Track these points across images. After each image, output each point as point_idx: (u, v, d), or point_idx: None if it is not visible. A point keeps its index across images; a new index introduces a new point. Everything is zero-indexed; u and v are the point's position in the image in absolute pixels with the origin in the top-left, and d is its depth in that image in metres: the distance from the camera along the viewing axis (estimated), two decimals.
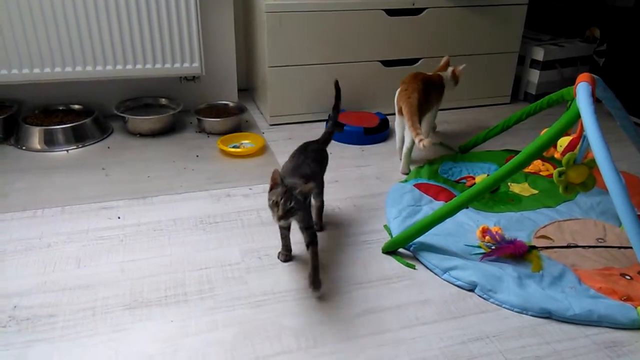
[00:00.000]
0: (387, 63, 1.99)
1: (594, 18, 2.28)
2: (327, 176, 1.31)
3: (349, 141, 1.82)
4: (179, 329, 0.96)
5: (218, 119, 1.83)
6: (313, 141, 1.29)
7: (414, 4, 1.93)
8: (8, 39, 1.65)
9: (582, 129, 1.14)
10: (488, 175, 1.53)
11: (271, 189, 1.04)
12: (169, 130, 1.85)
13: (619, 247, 1.22)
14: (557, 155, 1.23)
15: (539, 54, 2.17)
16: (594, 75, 1.22)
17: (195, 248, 1.20)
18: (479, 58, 2.10)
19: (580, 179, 1.15)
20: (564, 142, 1.23)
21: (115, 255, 1.17)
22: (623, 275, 1.12)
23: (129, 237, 1.23)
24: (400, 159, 1.63)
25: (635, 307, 1.02)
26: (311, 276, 1.04)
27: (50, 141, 1.70)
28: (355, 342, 0.95)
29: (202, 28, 1.87)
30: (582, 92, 1.13)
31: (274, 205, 1.00)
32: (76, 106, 1.87)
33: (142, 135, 1.81)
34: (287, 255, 1.17)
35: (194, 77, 1.98)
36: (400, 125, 1.64)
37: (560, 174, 1.15)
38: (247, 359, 0.90)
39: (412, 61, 2.03)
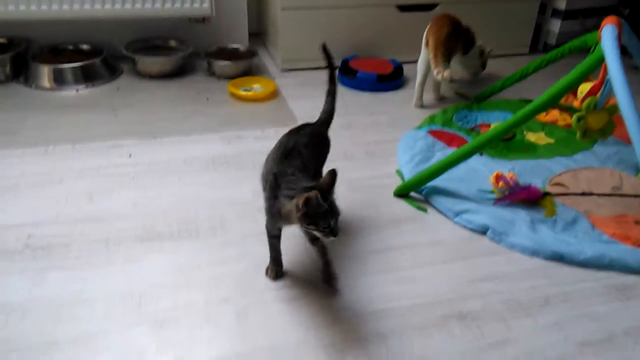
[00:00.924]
0: (403, 8, 1.92)
1: None
2: (339, 122, 1.27)
3: (362, 88, 1.78)
4: (191, 261, 0.97)
5: (229, 62, 1.80)
6: (310, 123, 1.04)
7: None
8: None
9: (604, 74, 1.11)
10: None
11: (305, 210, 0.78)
12: (179, 72, 1.82)
13: (635, 196, 1.20)
14: (576, 104, 1.20)
15: (561, 2, 2.08)
16: (621, 19, 1.16)
17: (206, 187, 1.20)
18: (498, 5, 2.02)
19: (599, 124, 1.13)
20: (584, 88, 1.19)
21: (127, 191, 1.17)
22: (637, 222, 1.11)
23: (140, 175, 1.23)
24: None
25: None
26: (325, 273, 0.93)
27: (59, 80, 1.68)
28: (369, 278, 0.96)
29: None
30: (607, 34, 1.09)
31: (329, 233, 0.78)
32: (85, 46, 1.83)
33: (152, 77, 1.78)
34: (277, 270, 0.94)
35: (203, 18, 1.92)
36: (424, 62, 1.59)
37: (579, 118, 1.12)
38: (257, 289, 0.91)
39: (429, 7, 1.95)
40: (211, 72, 1.83)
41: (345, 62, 1.84)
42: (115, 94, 1.66)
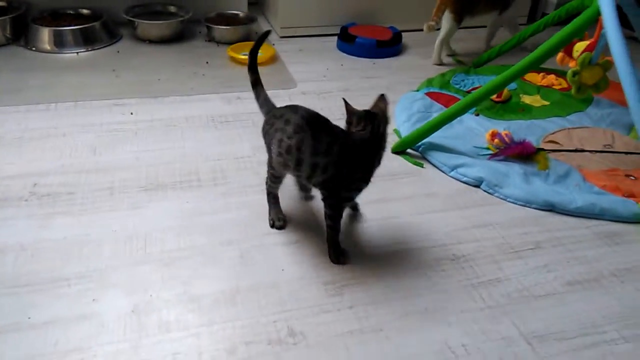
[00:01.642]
0: None
1: None
2: (337, 85, 1.29)
3: (361, 54, 1.79)
4: (194, 208, 1.00)
5: (228, 27, 1.80)
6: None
7: None
8: None
9: (599, 31, 1.13)
10: None
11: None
12: (178, 37, 1.83)
13: (626, 153, 1.23)
14: (572, 64, 1.21)
15: None
16: None
17: (207, 142, 1.22)
18: None
19: (593, 80, 1.15)
20: (580, 47, 1.21)
21: (130, 145, 1.19)
22: (628, 176, 1.14)
23: (142, 131, 1.25)
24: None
25: (637, 203, 1.05)
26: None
27: (59, 42, 1.68)
28: (368, 224, 0.99)
29: None
30: None
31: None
32: (85, 10, 1.83)
33: (151, 41, 1.79)
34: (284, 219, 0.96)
35: None
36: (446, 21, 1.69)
37: (574, 73, 1.14)
38: (258, 233, 0.95)
39: None
40: (210, 38, 1.84)
41: (344, 29, 1.85)
42: (116, 56, 1.67)
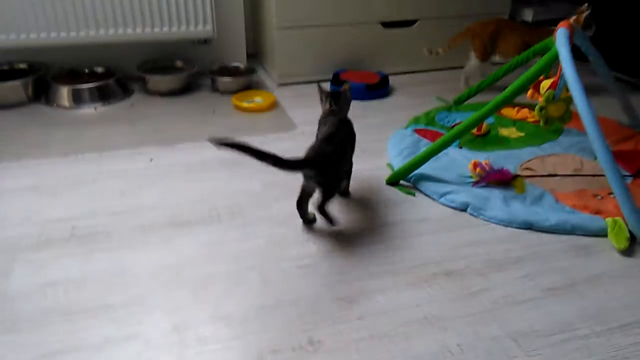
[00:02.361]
0: (386, 25, 2.13)
1: None
2: None
3: (353, 97, 1.96)
4: (218, 239, 1.14)
5: (231, 78, 1.98)
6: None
7: None
8: (36, 5, 1.78)
9: (560, 71, 1.31)
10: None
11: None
12: (186, 90, 2.00)
13: (593, 175, 1.39)
14: (540, 99, 1.39)
15: (528, 14, 2.31)
16: (573, 23, 1.37)
17: (222, 182, 1.37)
18: (472, 19, 2.23)
19: (558, 113, 1.33)
20: (546, 84, 1.39)
21: (154, 188, 1.33)
22: (595, 195, 1.30)
23: (163, 175, 1.40)
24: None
25: (604, 219, 1.20)
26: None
27: (78, 99, 1.85)
28: (367, 247, 1.13)
29: None
30: (560, 35, 1.30)
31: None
32: (99, 69, 2.01)
33: (162, 94, 1.96)
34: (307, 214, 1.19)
35: (206, 39, 2.11)
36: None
37: (541, 108, 1.32)
38: (276, 259, 1.08)
39: (410, 22, 2.17)
40: (215, 88, 2.01)
41: (336, 75, 2.04)
42: (130, 109, 1.83)
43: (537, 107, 1.32)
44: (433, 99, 1.97)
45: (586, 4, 1.78)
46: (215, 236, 1.15)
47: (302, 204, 1.18)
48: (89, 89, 1.86)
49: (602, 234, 1.17)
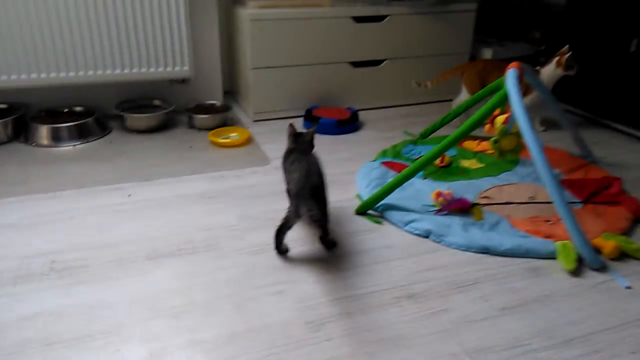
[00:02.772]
0: (355, 64, 2.26)
1: (535, 22, 2.61)
2: None
3: (324, 132, 2.07)
4: (193, 270, 1.19)
5: (207, 115, 2.07)
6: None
7: (378, 12, 2.21)
8: (17, 47, 1.86)
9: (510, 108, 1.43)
10: (444, 154, 1.80)
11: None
12: (163, 127, 2.08)
13: (546, 202, 1.49)
14: (495, 133, 1.51)
15: (488, 54, 2.48)
16: (523, 63, 1.51)
17: (199, 216, 1.43)
18: (436, 58, 2.39)
19: (510, 145, 1.44)
20: (500, 120, 1.51)
21: (132, 222, 1.39)
22: (547, 221, 1.40)
23: (141, 209, 1.45)
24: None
25: (554, 242, 1.29)
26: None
27: (56, 138, 1.90)
28: (337, 274, 1.19)
29: (191, 35, 2.10)
30: (510, 76, 1.42)
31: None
32: (78, 108, 2.07)
33: (139, 132, 2.03)
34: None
35: (183, 79, 2.20)
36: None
37: (495, 141, 1.43)
38: (249, 287, 1.14)
39: (377, 62, 2.30)
40: (192, 126, 2.09)
41: (309, 111, 2.14)
42: (109, 146, 1.89)
43: (491, 140, 1.44)
44: (401, 133, 2.08)
45: (567, 46, 1.94)
46: (191, 268, 1.20)
47: (281, 234, 1.24)
48: (68, 127, 1.92)
49: (552, 256, 1.27)
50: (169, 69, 2.09)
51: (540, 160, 1.26)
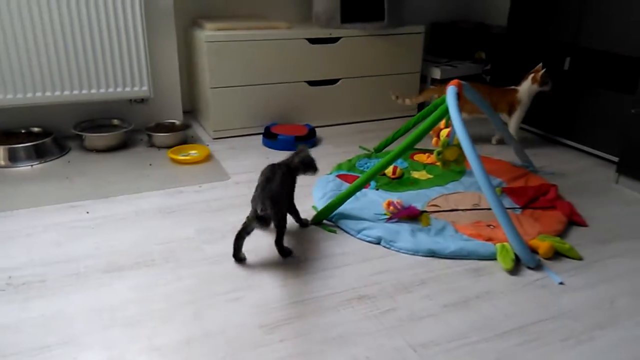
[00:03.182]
0: (311, 83, 2.36)
1: (480, 43, 2.78)
2: None
3: (283, 148, 2.13)
4: (151, 281, 1.22)
5: (167, 134, 2.11)
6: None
7: (330, 34, 2.32)
8: None
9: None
10: (396, 166, 1.89)
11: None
12: (123, 146, 2.10)
13: (488, 209, 1.60)
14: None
15: (437, 73, 2.62)
16: (462, 81, 1.62)
17: (157, 230, 1.46)
18: (388, 78, 2.52)
19: (453, 156, 1.54)
20: (444, 133, 1.62)
21: (89, 238, 1.41)
22: (488, 225, 1.50)
23: (99, 225, 1.47)
24: None
25: (494, 244, 1.39)
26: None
27: (14, 158, 1.90)
28: (293, 280, 1.25)
29: (150, 56, 2.15)
30: (449, 93, 1.53)
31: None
32: (36, 129, 2.07)
33: (98, 151, 2.04)
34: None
35: (142, 99, 2.24)
36: None
37: (439, 153, 1.53)
38: (207, 295, 1.18)
39: (332, 81, 2.40)
40: (152, 144, 2.12)
41: (267, 128, 2.21)
42: (67, 165, 1.90)
43: (435, 152, 1.54)
44: (356, 148, 2.17)
45: (540, 64, 2.08)
46: (149, 279, 1.24)
47: (240, 239, 1.30)
48: (25, 147, 1.92)
49: (493, 257, 1.36)
50: (127, 89, 2.12)
51: (478, 169, 1.36)
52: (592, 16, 2.02)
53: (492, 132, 2.29)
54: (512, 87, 2.13)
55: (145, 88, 2.14)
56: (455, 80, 1.62)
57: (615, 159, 1.90)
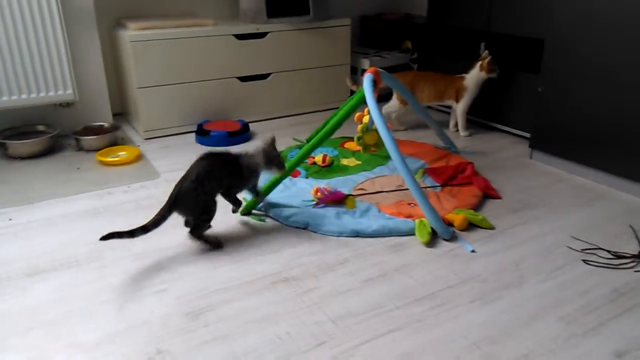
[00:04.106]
0: (242, 79, 2.38)
1: (406, 33, 2.89)
2: None
3: (216, 144, 2.15)
4: (74, 282, 1.22)
5: (95, 137, 2.08)
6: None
7: (258, 29, 2.35)
8: None
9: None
10: (326, 155, 1.95)
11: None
12: (50, 151, 2.05)
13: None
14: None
15: (366, 64, 2.70)
16: (379, 69, 1.70)
17: (83, 232, 1.45)
18: (319, 70, 2.58)
19: (373, 141, 1.61)
20: (366, 119, 1.69)
21: (12, 244, 1.38)
22: (409, 204, 1.58)
23: (23, 231, 1.45)
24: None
25: (414, 220, 1.47)
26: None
27: None
28: (219, 268, 1.28)
29: (73, 58, 2.11)
30: (366, 80, 1.60)
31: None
32: None
33: (23, 158, 1.99)
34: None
35: (68, 103, 2.19)
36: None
37: (359, 138, 1.60)
38: (131, 290, 1.19)
39: (263, 76, 2.43)
40: (80, 148, 2.09)
41: (199, 126, 2.22)
42: None
43: (355, 137, 1.60)
44: (290, 140, 2.21)
45: (486, 51, 2.16)
46: (72, 280, 1.23)
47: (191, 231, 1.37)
48: None
49: (412, 233, 1.44)
50: (51, 93, 2.08)
51: (394, 152, 1.43)
52: (500, 4, 2.14)
53: (447, 118, 2.40)
54: (460, 75, 2.22)
55: (69, 92, 2.10)
56: (372, 68, 1.69)
57: (529, 136, 2.03)
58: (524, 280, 1.24)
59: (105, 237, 1.22)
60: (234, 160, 1.39)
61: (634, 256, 1.33)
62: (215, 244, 1.37)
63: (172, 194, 1.31)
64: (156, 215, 1.28)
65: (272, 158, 1.41)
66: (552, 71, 1.82)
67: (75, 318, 1.10)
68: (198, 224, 1.35)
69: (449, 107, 2.31)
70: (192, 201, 1.31)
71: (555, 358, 0.99)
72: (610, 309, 1.13)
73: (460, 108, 2.21)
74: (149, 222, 1.27)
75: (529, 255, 1.34)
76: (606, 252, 1.35)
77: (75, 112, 2.23)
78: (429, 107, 2.44)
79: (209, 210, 1.36)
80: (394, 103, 2.26)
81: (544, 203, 1.63)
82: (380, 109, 1.51)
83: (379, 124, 1.47)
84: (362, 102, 1.59)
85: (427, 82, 2.21)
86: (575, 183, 1.77)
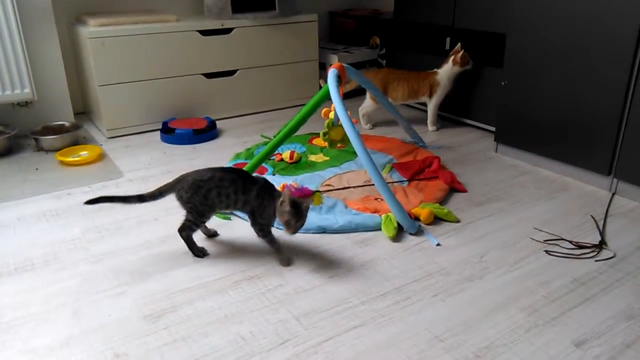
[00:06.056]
0: (208, 75, 2.34)
1: (374, 29, 2.89)
2: (161, 169, 1.58)
3: (181, 142, 2.11)
4: (30, 286, 1.17)
5: (55, 136, 2.01)
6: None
7: (222, 25, 2.31)
8: None
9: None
10: (293, 151, 1.93)
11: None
12: (7, 152, 1.98)
13: None
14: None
15: (334, 60, 2.69)
16: (344, 64, 1.69)
17: (40, 234, 1.40)
18: (287, 66, 2.55)
19: (339, 136, 1.60)
20: (332, 115, 1.67)
21: None
22: (376, 199, 1.58)
23: None
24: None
25: (380, 216, 1.47)
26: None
27: None
28: (181, 268, 1.25)
29: (30, 56, 2.04)
30: (330, 76, 1.58)
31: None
32: None
33: None
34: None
35: (26, 102, 2.12)
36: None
37: (324, 134, 1.58)
38: (88, 294, 1.15)
39: (230, 73, 2.40)
40: (39, 148, 2.02)
41: (165, 124, 2.17)
42: None
43: (321, 133, 1.59)
44: (258, 137, 2.19)
45: (459, 44, 2.15)
46: (28, 283, 1.19)
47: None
48: None
49: (378, 228, 1.44)
50: (7, 92, 2.00)
51: (359, 147, 1.43)
52: (464, 0, 2.17)
53: (415, 113, 2.40)
54: (433, 70, 2.22)
55: (27, 90, 2.03)
56: (336, 64, 1.68)
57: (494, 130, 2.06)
58: (487, 272, 1.25)
59: (92, 201, 1.21)
60: (254, 185, 1.29)
61: (594, 246, 1.36)
62: (197, 253, 1.31)
63: (184, 174, 1.28)
64: (156, 189, 1.26)
65: (281, 214, 1.24)
66: (514, 65, 1.85)
67: (30, 323, 1.05)
68: (185, 223, 1.28)
69: (422, 104, 2.32)
70: (191, 191, 1.24)
71: (516, 348, 1.00)
72: (571, 298, 1.15)
73: (433, 103, 2.22)
74: (147, 193, 1.25)
75: (492, 248, 1.35)
76: (568, 243, 1.37)
77: (35, 111, 2.15)
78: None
79: (200, 214, 1.26)
80: (368, 103, 2.25)
81: (509, 195, 1.65)
82: (345, 105, 1.50)
83: (343, 120, 1.46)
84: (327, 97, 1.58)
85: (400, 81, 2.20)
86: (539, 175, 1.80)
